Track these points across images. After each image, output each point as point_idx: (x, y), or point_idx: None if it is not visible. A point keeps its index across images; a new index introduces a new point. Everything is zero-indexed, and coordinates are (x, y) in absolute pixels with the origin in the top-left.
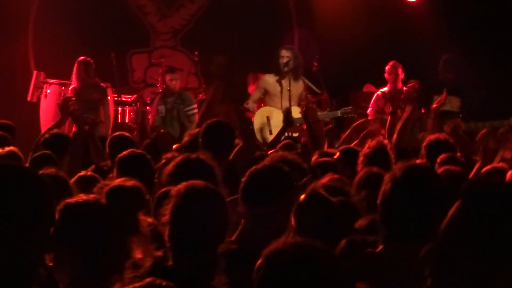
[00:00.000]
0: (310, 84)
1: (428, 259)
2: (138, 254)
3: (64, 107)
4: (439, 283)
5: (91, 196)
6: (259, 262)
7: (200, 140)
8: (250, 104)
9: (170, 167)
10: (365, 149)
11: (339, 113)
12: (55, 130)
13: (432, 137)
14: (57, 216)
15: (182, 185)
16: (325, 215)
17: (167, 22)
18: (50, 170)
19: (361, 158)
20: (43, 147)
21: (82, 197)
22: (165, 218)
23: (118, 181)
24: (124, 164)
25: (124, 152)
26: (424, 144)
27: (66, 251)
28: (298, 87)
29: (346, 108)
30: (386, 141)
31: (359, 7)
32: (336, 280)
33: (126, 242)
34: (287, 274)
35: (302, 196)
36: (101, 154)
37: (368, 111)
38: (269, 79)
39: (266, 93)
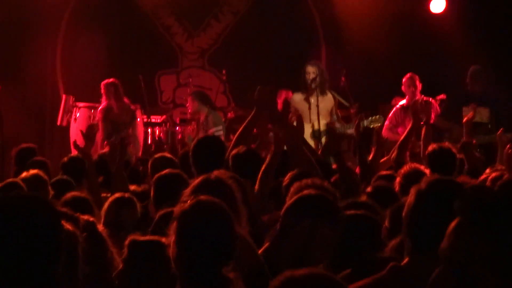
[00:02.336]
0: (339, 98)
1: (444, 280)
2: None
3: (88, 134)
4: None
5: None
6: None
7: (191, 158)
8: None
9: (188, 189)
10: (402, 170)
11: (365, 123)
12: (73, 154)
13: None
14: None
15: (187, 203)
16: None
17: (194, 42)
18: (73, 193)
19: (398, 179)
20: (62, 171)
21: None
22: (171, 238)
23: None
24: (162, 184)
25: (162, 172)
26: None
27: None
28: (327, 101)
29: (373, 117)
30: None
31: (385, 20)
32: None
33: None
34: None
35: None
36: (122, 180)
37: (385, 123)
38: (297, 98)
39: (295, 111)
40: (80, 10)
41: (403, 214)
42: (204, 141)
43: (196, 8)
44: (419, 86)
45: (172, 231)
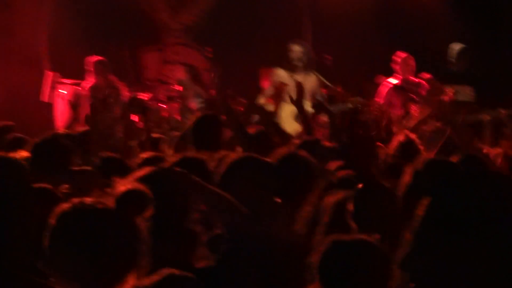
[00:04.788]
0: (323, 78)
1: (407, 265)
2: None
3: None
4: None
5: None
6: None
7: (191, 135)
8: (262, 100)
9: None
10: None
11: (350, 104)
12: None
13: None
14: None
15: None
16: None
17: (178, 19)
18: None
19: None
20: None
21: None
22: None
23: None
24: None
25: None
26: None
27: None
28: (310, 81)
29: (354, 98)
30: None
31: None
32: None
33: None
34: None
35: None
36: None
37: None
38: (281, 73)
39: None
40: None
41: (399, 193)
42: (204, 119)
43: None
44: (413, 67)
45: None
